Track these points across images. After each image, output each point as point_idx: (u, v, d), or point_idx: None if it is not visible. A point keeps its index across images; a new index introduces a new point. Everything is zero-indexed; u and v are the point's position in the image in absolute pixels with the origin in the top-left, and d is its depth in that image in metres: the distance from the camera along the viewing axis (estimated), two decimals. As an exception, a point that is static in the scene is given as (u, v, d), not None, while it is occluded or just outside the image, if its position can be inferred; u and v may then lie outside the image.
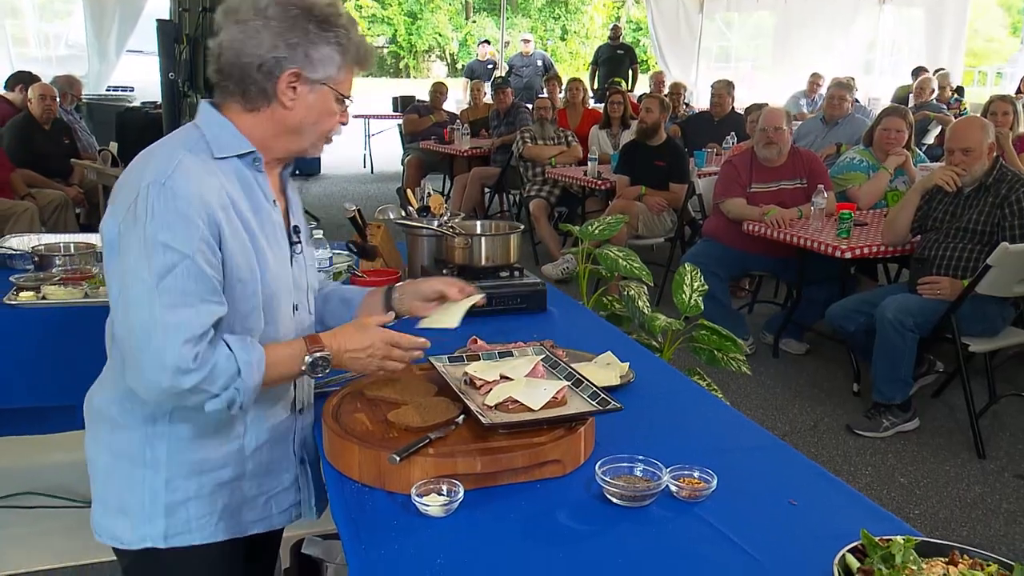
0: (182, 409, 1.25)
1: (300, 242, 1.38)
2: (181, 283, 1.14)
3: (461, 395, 1.34)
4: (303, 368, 1.25)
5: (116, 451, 1.29)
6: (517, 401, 1.30)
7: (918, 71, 8.91)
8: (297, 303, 1.36)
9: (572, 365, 1.47)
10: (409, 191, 2.39)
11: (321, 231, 2.24)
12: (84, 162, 5.59)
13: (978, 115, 4.20)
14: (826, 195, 4.12)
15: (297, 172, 9.90)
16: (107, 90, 9.10)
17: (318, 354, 1.25)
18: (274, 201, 1.32)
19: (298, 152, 1.33)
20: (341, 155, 10.41)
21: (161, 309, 1.13)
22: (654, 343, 2.31)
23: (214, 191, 1.20)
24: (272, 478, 1.39)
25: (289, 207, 1.39)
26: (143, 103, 7.72)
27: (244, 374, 1.17)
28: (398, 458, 1.17)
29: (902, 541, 0.97)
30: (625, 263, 2.46)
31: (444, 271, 2.17)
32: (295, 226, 1.38)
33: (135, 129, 6.02)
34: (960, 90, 8.94)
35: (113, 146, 5.95)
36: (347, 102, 1.30)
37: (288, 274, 1.33)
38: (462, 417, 1.29)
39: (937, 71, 9.04)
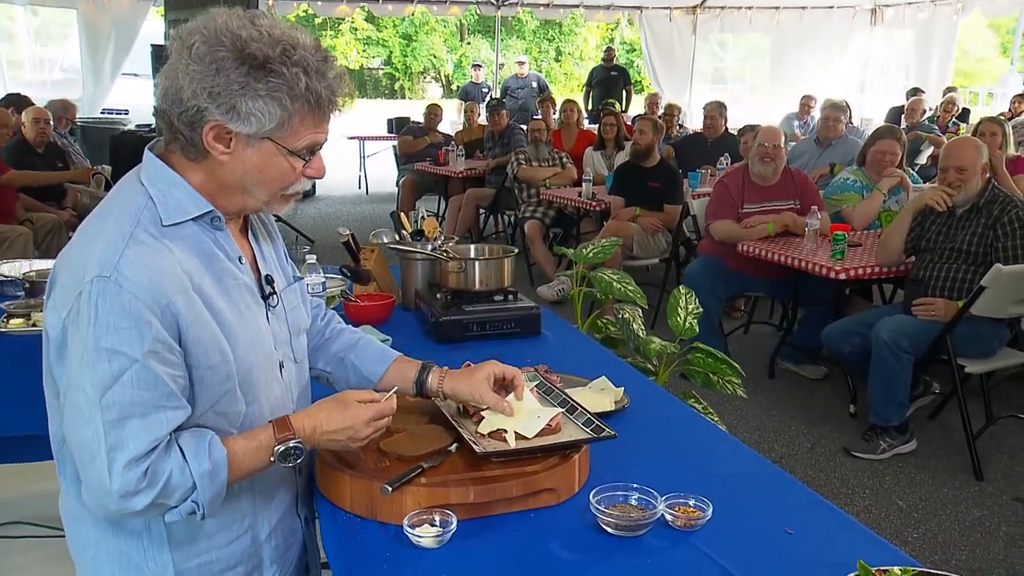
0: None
1: (275, 292, 1.24)
2: (129, 393, 1.02)
3: (454, 423, 1.34)
4: (272, 460, 1.13)
5: (112, 560, 1.16)
6: (511, 431, 1.28)
7: (914, 91, 8.93)
8: (283, 359, 1.24)
9: (566, 391, 1.46)
10: (403, 215, 2.42)
11: (314, 255, 2.20)
12: (78, 185, 5.61)
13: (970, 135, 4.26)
14: (820, 215, 4.14)
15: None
16: (101, 113, 9.14)
17: (290, 442, 1.13)
18: (240, 258, 1.18)
19: (255, 210, 1.18)
20: (336, 176, 10.46)
21: (105, 426, 1.01)
22: (649, 366, 2.32)
23: (169, 276, 1.05)
24: (288, 554, 1.29)
25: (258, 254, 1.24)
26: (137, 126, 7.75)
27: (200, 488, 1.06)
28: (390, 488, 1.15)
29: (899, 572, 0.97)
30: (619, 286, 2.48)
31: (438, 295, 2.18)
32: (267, 276, 1.24)
33: (129, 151, 6.05)
34: (965, 113, 8.80)
35: (107, 169, 5.98)
36: (304, 157, 1.12)
37: (266, 336, 1.20)
38: (455, 446, 1.29)
39: (947, 90, 9.02)
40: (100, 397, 1.01)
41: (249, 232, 1.26)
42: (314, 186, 10.21)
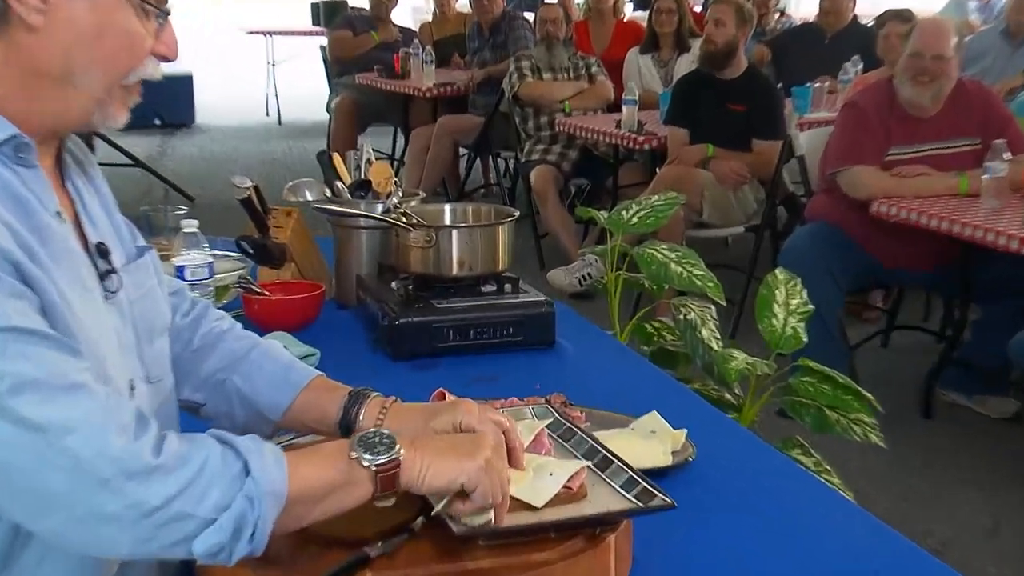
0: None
1: (114, 270, 1.25)
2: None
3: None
4: (350, 455, 1.16)
5: None
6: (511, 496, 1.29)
7: None
8: (132, 377, 1.25)
9: (595, 435, 1.48)
10: (337, 156, 2.41)
11: (195, 221, 2.23)
12: None
13: None
14: (1009, 156, 3.94)
15: (157, 122, 9.94)
16: None
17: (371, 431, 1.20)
18: (58, 212, 1.18)
19: (80, 121, 1.19)
20: (229, 95, 10.43)
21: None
22: (728, 397, 2.34)
23: None
24: None
25: (81, 210, 1.25)
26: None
27: (255, 470, 1.07)
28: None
29: None
30: (681, 269, 2.47)
31: (394, 285, 2.19)
32: (98, 244, 1.24)
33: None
34: None
35: None
36: (160, 13, 1.17)
37: (110, 338, 1.22)
38: (419, 521, 1.28)
39: None
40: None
41: (64, 177, 1.25)
42: (192, 110, 10.18)
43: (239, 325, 1.53)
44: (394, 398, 1.40)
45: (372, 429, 1.20)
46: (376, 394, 1.40)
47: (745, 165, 5.25)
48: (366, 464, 1.14)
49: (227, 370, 1.44)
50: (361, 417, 1.38)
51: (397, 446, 1.16)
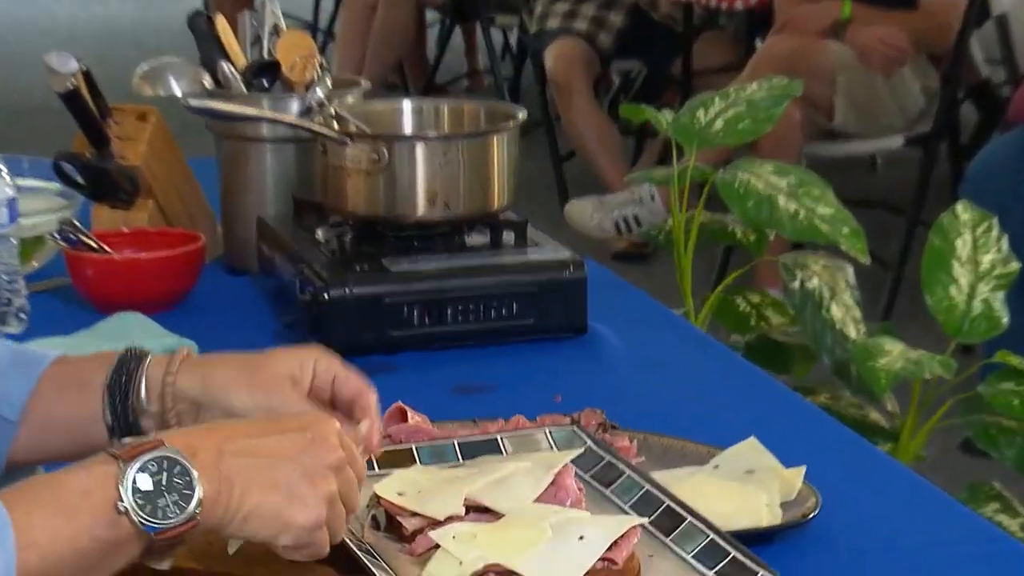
0: None
1: None
2: None
3: (363, 555, 1.19)
4: (122, 509, 0.98)
5: None
6: (512, 572, 1.10)
7: None
8: None
9: (654, 475, 1.34)
10: (223, 20, 2.11)
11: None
12: None
13: None
14: None
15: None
16: None
17: (156, 452, 1.01)
18: None
19: None
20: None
21: None
22: (876, 416, 2.13)
23: None
24: None
25: None
26: None
27: None
28: None
29: None
30: (798, 206, 2.16)
31: (320, 233, 1.92)
32: None
33: None
34: None
35: None
36: None
37: None
38: None
39: None
40: None
41: None
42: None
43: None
44: (187, 350, 1.29)
45: (151, 442, 1.00)
46: (162, 354, 1.31)
47: (903, 32, 4.39)
48: (147, 531, 0.98)
49: None
50: (142, 396, 1.27)
51: (196, 492, 0.98)
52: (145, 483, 0.96)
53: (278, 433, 1.08)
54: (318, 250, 1.87)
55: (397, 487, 1.21)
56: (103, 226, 2.02)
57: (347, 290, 1.75)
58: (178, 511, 0.97)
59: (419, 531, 1.15)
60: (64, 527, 0.96)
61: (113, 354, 1.27)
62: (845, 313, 2.12)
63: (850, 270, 2.23)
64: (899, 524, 1.36)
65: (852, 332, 2.10)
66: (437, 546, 1.12)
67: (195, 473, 0.97)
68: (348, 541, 1.15)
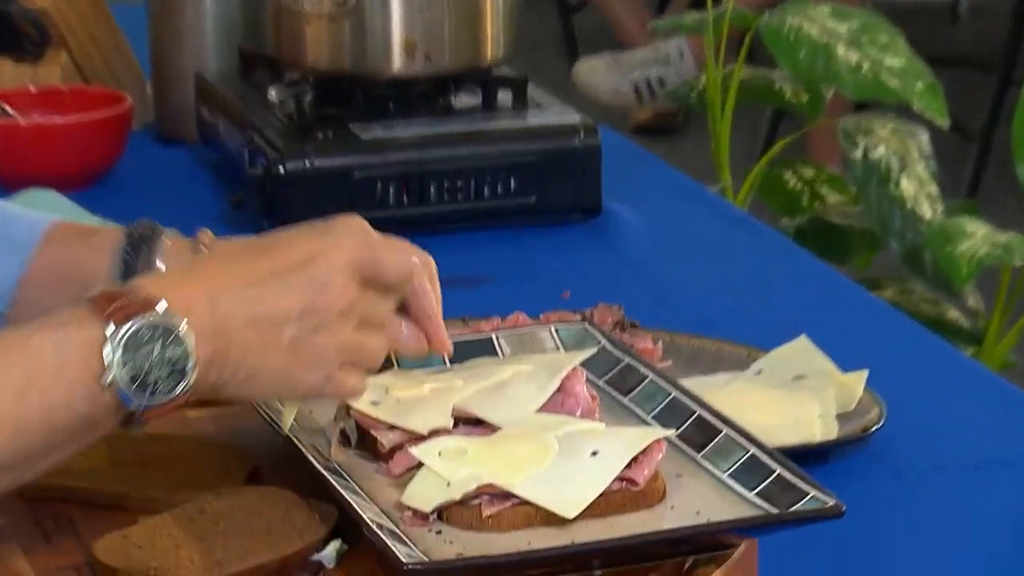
0: None
1: None
2: None
3: (330, 477, 1.11)
4: (106, 382, 0.93)
5: None
6: (510, 495, 1.02)
7: None
8: None
9: (683, 382, 1.24)
10: None
11: None
12: None
13: None
14: None
15: None
16: None
17: (145, 318, 0.95)
18: None
19: None
20: None
21: None
22: (954, 313, 2.08)
23: None
24: None
25: None
26: None
27: None
28: None
29: None
30: (860, 56, 2.01)
31: (273, 92, 1.85)
32: None
33: None
34: None
35: None
36: None
37: None
38: (335, 547, 1.06)
39: None
40: None
41: None
42: None
43: None
44: (206, 232, 1.20)
45: (140, 302, 0.96)
46: (173, 234, 1.22)
47: None
48: (131, 408, 0.96)
49: None
50: (150, 262, 1.23)
51: (190, 365, 0.96)
52: (134, 355, 0.93)
53: (277, 275, 1.02)
54: (271, 114, 1.78)
55: (371, 396, 1.12)
56: (6, 84, 1.95)
57: (307, 162, 1.67)
58: (170, 385, 0.95)
59: (398, 447, 1.08)
60: (37, 400, 0.92)
61: (114, 235, 1.21)
62: (918, 188, 1.98)
63: (925, 137, 2.10)
64: (980, 440, 1.31)
65: (927, 212, 1.97)
66: (419, 465, 1.05)
67: (191, 344, 0.94)
68: (312, 460, 1.11)
